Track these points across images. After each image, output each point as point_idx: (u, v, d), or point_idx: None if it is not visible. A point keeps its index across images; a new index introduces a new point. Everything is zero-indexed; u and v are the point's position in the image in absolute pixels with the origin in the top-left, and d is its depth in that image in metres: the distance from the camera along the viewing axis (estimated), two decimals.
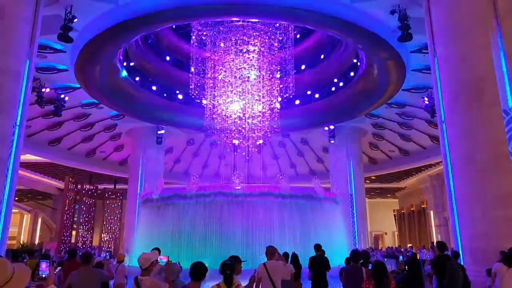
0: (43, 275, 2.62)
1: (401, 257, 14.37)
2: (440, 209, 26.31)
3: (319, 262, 7.69)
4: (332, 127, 20.63)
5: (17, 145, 9.56)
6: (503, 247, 7.13)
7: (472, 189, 8.47)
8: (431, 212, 27.53)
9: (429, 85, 15.90)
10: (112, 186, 28.37)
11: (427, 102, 16.30)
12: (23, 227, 30.91)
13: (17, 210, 27.79)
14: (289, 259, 7.95)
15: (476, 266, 7.63)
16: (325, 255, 8.09)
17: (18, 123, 9.58)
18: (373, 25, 12.77)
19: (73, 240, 24.34)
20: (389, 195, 34.36)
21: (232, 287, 3.80)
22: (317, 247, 8.08)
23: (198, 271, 3.66)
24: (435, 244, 7.52)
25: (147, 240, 10.92)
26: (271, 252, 5.93)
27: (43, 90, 15.14)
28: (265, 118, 16.10)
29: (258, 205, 11.07)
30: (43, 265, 2.66)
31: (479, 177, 8.30)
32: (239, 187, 11.36)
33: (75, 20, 11.47)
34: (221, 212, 10.43)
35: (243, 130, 15.84)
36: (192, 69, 16.72)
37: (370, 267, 5.21)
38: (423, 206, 29.08)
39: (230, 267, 3.82)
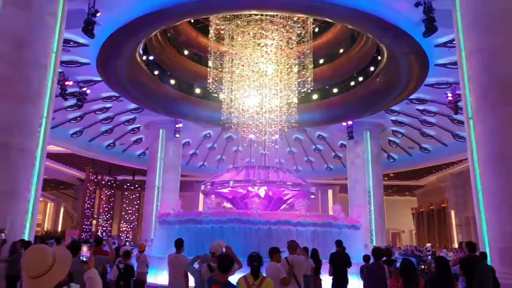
0: (84, 259, 2.67)
1: (429, 257, 14.11)
2: (462, 209, 25.72)
3: (340, 258, 7.65)
4: (350, 122, 20.38)
5: (44, 136, 9.79)
6: None
7: (501, 188, 8.15)
8: (452, 212, 26.96)
9: (453, 81, 15.55)
10: (130, 178, 28.88)
11: (450, 98, 15.88)
12: (47, 215, 31.88)
13: (41, 199, 28.62)
14: (309, 254, 7.93)
15: (504, 268, 7.38)
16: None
17: (45, 115, 9.81)
18: (396, 18, 12.50)
19: (93, 229, 24.98)
20: (407, 193, 33.83)
21: (259, 278, 3.84)
22: (338, 243, 8.03)
23: (226, 263, 3.70)
24: (463, 244, 7.30)
25: (161, 264, 10.97)
26: (293, 247, 5.94)
27: (66, 83, 15.44)
28: (282, 113, 16.01)
29: (275, 233, 10.84)
30: (84, 248, 2.70)
31: (508, 175, 8.01)
32: (256, 213, 11.27)
33: (98, 14, 11.62)
34: (237, 239, 10.21)
35: (260, 125, 15.79)
36: (210, 63, 16.74)
37: (397, 265, 5.12)
38: (443, 205, 28.50)
39: (257, 259, 3.86)
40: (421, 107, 18.56)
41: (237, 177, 14.56)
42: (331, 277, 7.93)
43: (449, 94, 15.87)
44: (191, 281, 5.98)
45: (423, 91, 16.84)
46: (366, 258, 7.93)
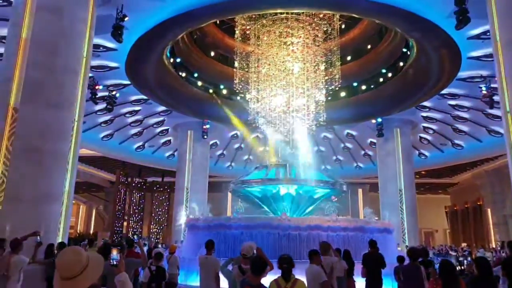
0: (114, 262, 2.66)
1: (468, 258, 13.60)
2: (499, 207, 24.70)
3: (374, 259, 7.44)
4: (379, 119, 19.91)
5: (76, 140, 10.07)
6: None
7: None
8: (489, 210, 25.90)
9: (487, 74, 14.90)
10: (160, 179, 29.40)
11: (485, 92, 15.22)
12: (79, 218, 32.94)
13: (74, 202, 29.60)
14: (341, 256, 7.76)
15: None
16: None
17: (76, 119, 10.09)
18: (426, 11, 12.09)
19: (124, 231, 25.58)
20: (440, 191, 32.78)
21: (291, 281, 3.76)
22: (372, 243, 7.80)
23: (259, 266, 3.64)
24: (506, 244, 6.95)
25: (190, 261, 11.03)
26: (325, 248, 5.81)
27: (96, 87, 15.86)
28: (310, 111, 15.82)
29: (306, 238, 10.70)
30: (114, 252, 2.70)
31: None
32: (286, 219, 11.15)
33: (126, 19, 11.85)
34: (267, 245, 10.10)
35: (288, 124, 15.67)
36: (236, 64, 16.76)
37: (436, 267, 4.91)
38: (479, 203, 27.44)
39: (288, 260, 3.78)
40: (453, 102, 17.92)
41: (267, 176, 14.49)
42: (364, 279, 7.72)
43: (484, 88, 15.22)
44: (224, 283, 5.96)
45: (455, 85, 16.24)
46: (400, 259, 7.67)
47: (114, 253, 2.70)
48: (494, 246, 22.76)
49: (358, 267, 8.07)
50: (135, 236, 19.25)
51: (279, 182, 13.99)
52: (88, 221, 33.09)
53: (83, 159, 24.46)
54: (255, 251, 4.99)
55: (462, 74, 15.29)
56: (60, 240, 8.98)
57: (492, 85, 14.64)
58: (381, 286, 7.53)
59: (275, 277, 3.91)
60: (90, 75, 14.97)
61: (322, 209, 15.17)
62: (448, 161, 23.75)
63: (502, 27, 9.06)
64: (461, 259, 15.05)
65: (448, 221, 32.42)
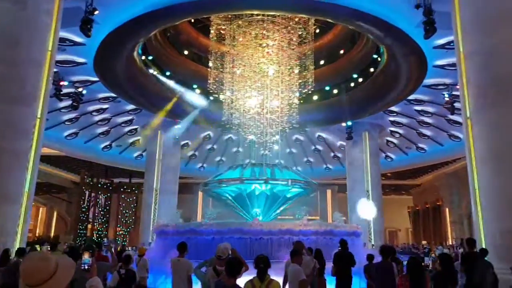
0: (86, 267, 2.52)
1: (432, 255, 14.30)
2: (456, 207, 26.03)
3: (344, 258, 7.60)
4: (350, 123, 20.41)
5: (37, 138, 9.54)
6: None
7: (497, 186, 8.29)
8: (447, 210, 27.23)
9: (450, 82, 15.64)
10: (127, 180, 28.63)
11: (447, 99, 16.00)
12: (39, 220, 31.39)
13: (32, 203, 28.21)
14: (313, 255, 7.86)
15: (500, 264, 7.44)
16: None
17: (39, 116, 9.58)
18: (397, 20, 12.55)
19: (88, 233, 24.71)
20: (403, 192, 34.07)
21: (266, 281, 3.75)
22: (342, 243, 7.97)
23: (234, 267, 3.61)
24: (464, 241, 7.36)
25: (160, 266, 10.87)
26: (298, 247, 5.86)
27: (61, 83, 15.22)
28: (284, 114, 15.96)
29: (277, 243, 10.86)
30: (86, 255, 2.56)
31: (505, 173, 8.13)
32: (257, 224, 11.20)
33: (96, 12, 11.44)
34: (238, 250, 10.15)
35: (261, 125, 15.73)
36: (211, 64, 16.63)
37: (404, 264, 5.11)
38: (438, 204, 28.78)
39: (264, 260, 3.78)
40: (418, 107, 18.65)
41: (243, 175, 14.48)
42: (333, 277, 7.88)
43: (446, 95, 15.99)
44: (198, 285, 5.87)
45: (421, 92, 16.93)
46: (370, 257, 7.90)
47: (86, 256, 2.57)
48: (451, 243, 23.93)
49: (328, 267, 8.23)
50: (105, 239, 18.63)
51: (251, 182, 14.01)
52: (48, 223, 31.58)
53: (43, 159, 23.33)
54: (230, 252, 4.95)
55: (428, 81, 15.97)
56: (18, 244, 8.47)
57: (454, 93, 15.42)
58: (351, 284, 7.71)
59: (251, 277, 3.89)
60: (55, 70, 14.40)
61: (292, 209, 15.43)
62: (412, 163, 24.73)
63: (465, 39, 9.54)
64: (421, 256, 15.74)
65: (411, 221, 33.73)
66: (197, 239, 11.21)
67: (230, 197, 14.70)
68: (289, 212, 21.62)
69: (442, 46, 13.49)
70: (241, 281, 3.82)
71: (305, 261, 5.90)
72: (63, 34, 12.48)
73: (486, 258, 6.79)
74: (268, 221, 12.39)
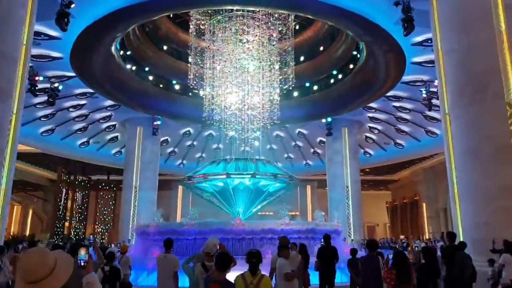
0: (82, 263, 2.47)
1: (416, 248, 14.77)
2: (433, 201, 26.72)
3: (328, 252, 7.70)
4: (329, 119, 20.64)
5: (14, 134, 9.28)
6: (504, 237, 7.21)
7: (475, 181, 8.57)
8: (424, 204, 27.90)
9: (427, 78, 16.02)
10: (105, 177, 28.09)
11: (424, 95, 16.35)
12: (13, 219, 30.40)
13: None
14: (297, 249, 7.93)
15: (477, 257, 7.71)
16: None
17: (15, 112, 9.29)
18: (376, 17, 12.72)
19: (65, 231, 24.15)
20: (382, 187, 34.69)
21: (257, 276, 3.76)
22: (326, 238, 8.07)
23: (224, 262, 3.61)
24: (445, 234, 7.59)
25: (141, 264, 10.74)
26: (284, 242, 5.90)
27: (36, 78, 14.75)
28: (264, 110, 15.98)
29: (260, 242, 10.94)
30: (82, 252, 2.49)
31: (481, 168, 8.41)
32: (240, 224, 11.22)
33: (72, 5, 11.13)
34: None
35: (242, 122, 15.70)
36: (190, 59, 16.46)
37: (388, 257, 5.23)
38: (416, 198, 29.44)
39: (256, 255, 3.78)
40: (397, 104, 19.03)
41: (224, 170, 14.44)
42: (316, 272, 7.98)
43: (424, 92, 16.34)
44: (184, 282, 5.83)
45: (399, 88, 17.27)
46: (353, 251, 8.03)
47: (82, 253, 2.51)
48: (428, 238, 24.60)
49: (312, 261, 8.33)
50: (90, 236, 18.09)
51: (228, 176, 13.99)
52: (23, 222, 30.64)
53: (19, 156, 22.59)
54: (218, 247, 4.94)
55: (406, 78, 16.29)
56: None
57: (431, 89, 15.80)
58: (334, 277, 7.82)
59: (238, 273, 3.89)
60: (30, 64, 13.93)
61: (273, 205, 15.45)
62: (390, 159, 25.22)
63: (443, 37, 9.78)
64: (400, 250, 16.13)
65: (389, 216, 34.41)
66: (179, 239, 11.15)
67: (214, 192, 14.64)
68: (270, 208, 21.84)
69: (420, 43, 13.77)
70: (229, 276, 3.82)
71: (292, 256, 5.94)
72: (38, 27, 12.09)
73: (465, 251, 7.01)
74: (250, 221, 12.42)
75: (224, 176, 14.07)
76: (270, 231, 11.23)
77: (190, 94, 18.96)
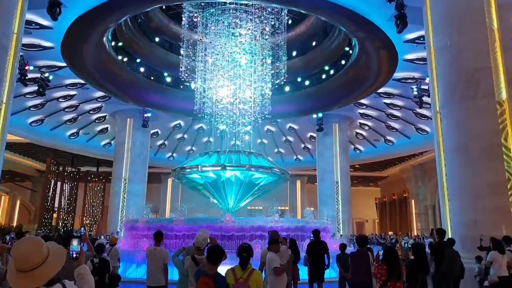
0: (74, 254, 2.45)
1: (405, 244, 14.93)
2: (421, 198, 27.06)
3: (318, 247, 7.77)
4: (320, 114, 20.70)
5: (3, 124, 9.17)
6: (491, 235, 7.35)
7: (464, 178, 8.70)
8: (412, 201, 28.24)
9: (419, 76, 16.14)
10: (95, 169, 27.85)
11: (415, 92, 16.46)
12: (1, 209, 30.04)
13: None
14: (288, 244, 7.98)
15: (464, 253, 7.85)
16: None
17: (4, 101, 9.17)
18: (369, 13, 12.73)
19: (53, 223, 23.93)
20: (371, 184, 35.01)
21: (247, 270, 3.78)
22: (315, 233, 8.14)
23: (215, 255, 3.62)
24: (435, 231, 7.67)
25: (130, 257, 10.71)
26: (275, 237, 5.93)
27: (26, 67, 14.51)
28: (256, 104, 15.95)
29: (249, 240, 10.85)
30: (75, 242, 2.47)
31: (471, 166, 8.52)
32: (229, 221, 11.22)
33: None
34: None
35: (234, 115, 15.67)
36: (182, 52, 16.33)
37: (377, 253, 5.29)
38: (404, 195, 29.79)
39: (247, 249, 3.80)
40: (388, 100, 19.15)
41: (217, 162, 14.41)
42: (305, 267, 8.05)
43: (415, 89, 16.45)
44: (173, 274, 5.84)
45: (390, 85, 17.36)
46: (342, 246, 8.10)
47: (75, 244, 2.49)
48: (416, 234, 24.96)
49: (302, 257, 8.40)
50: (82, 228, 17.91)
51: (218, 168, 13.96)
52: (11, 213, 30.29)
53: (7, 145, 22.28)
54: (208, 240, 4.95)
55: (397, 75, 16.38)
56: None
57: (422, 87, 15.93)
58: (324, 272, 7.90)
59: (229, 267, 3.91)
60: (20, 54, 13.68)
61: (262, 199, 15.32)
62: (380, 156, 25.41)
63: (435, 34, 9.86)
64: (387, 245, 16.33)
65: (378, 212, 34.79)
66: (168, 235, 11.12)
67: (206, 183, 14.61)
68: (260, 202, 21.89)
69: (412, 41, 13.84)
70: (219, 270, 3.83)
71: (282, 250, 5.98)
72: (30, 16, 11.88)
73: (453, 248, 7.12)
74: (240, 218, 12.41)
75: (219, 168, 14.02)
76: (260, 229, 11.23)
77: (181, 86, 18.83)
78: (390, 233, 25.97)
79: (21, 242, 1.96)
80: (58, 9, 10.82)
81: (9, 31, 9.27)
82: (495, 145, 8.22)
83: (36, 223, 23.73)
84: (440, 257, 6.46)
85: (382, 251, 4.91)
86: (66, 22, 12.73)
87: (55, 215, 24.34)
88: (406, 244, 17.59)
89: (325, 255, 7.86)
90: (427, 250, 7.97)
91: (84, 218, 26.42)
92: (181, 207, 12.66)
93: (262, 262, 5.72)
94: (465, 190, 8.67)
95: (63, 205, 24.93)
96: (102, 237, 16.20)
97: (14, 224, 28.33)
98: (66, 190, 25.30)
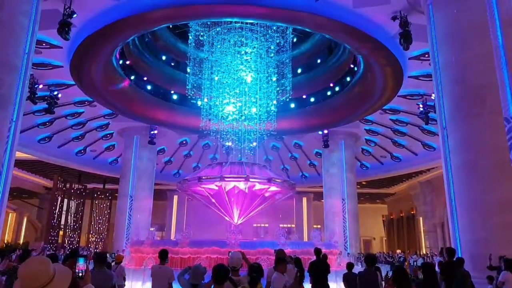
0: (80, 274, 2.45)
1: (414, 262, 14.63)
2: (430, 216, 26.63)
3: (320, 266, 7.64)
4: (326, 131, 20.69)
5: (12, 142, 9.28)
6: (502, 253, 7.18)
7: (473, 195, 8.54)
8: (420, 219, 27.81)
9: (424, 92, 16.16)
10: (101, 186, 27.91)
11: (421, 109, 16.46)
12: (8, 226, 30.08)
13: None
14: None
15: (476, 273, 7.65)
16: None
17: (14, 119, 9.31)
18: (374, 31, 12.86)
19: (59, 240, 23.86)
20: (378, 201, 34.59)
21: None
22: (317, 252, 8.02)
23: (221, 274, 3.59)
24: (444, 250, 7.52)
25: (134, 272, 10.68)
26: (282, 255, 5.88)
27: (36, 86, 14.81)
28: (261, 121, 16.04)
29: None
30: (81, 262, 2.48)
31: (480, 183, 8.38)
32: (235, 244, 11.18)
33: (74, 15, 11.25)
34: None
35: (239, 132, 15.75)
36: (189, 70, 16.57)
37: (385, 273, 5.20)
38: (412, 212, 29.36)
39: (258, 270, 3.79)
40: (394, 117, 19.12)
41: (212, 173, 14.39)
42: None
43: (421, 105, 16.45)
44: None
45: (396, 101, 17.38)
46: (349, 265, 7.96)
47: (81, 263, 2.49)
48: (425, 252, 24.47)
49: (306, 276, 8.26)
50: (90, 248, 17.88)
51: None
52: (18, 230, 30.33)
53: (15, 163, 22.50)
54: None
55: (403, 91, 16.40)
56: None
57: (428, 103, 15.92)
58: None
59: None
60: (31, 72, 13.97)
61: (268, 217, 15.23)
62: (387, 172, 25.19)
63: (440, 51, 9.88)
64: (396, 265, 15.99)
65: (385, 229, 34.26)
66: (173, 258, 11.09)
67: (209, 196, 14.56)
68: (265, 219, 21.66)
69: (417, 58, 13.92)
70: None
71: (289, 269, 5.90)
72: (40, 36, 12.15)
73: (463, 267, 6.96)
74: (245, 242, 12.26)
75: (218, 179, 13.99)
76: (266, 253, 11.10)
77: (188, 104, 19.02)
78: (398, 251, 25.46)
79: (28, 261, 2.01)
80: (68, 29, 11.07)
81: (20, 52, 9.48)
82: (503, 162, 8.10)
83: (42, 241, 23.67)
84: (450, 277, 6.32)
85: (391, 271, 4.81)
86: (76, 41, 13.02)
87: (61, 233, 24.29)
88: (414, 263, 17.22)
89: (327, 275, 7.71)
90: (437, 269, 7.82)
91: (90, 235, 26.33)
92: (187, 229, 12.63)
93: (268, 281, 5.65)
94: (474, 208, 8.51)
95: (69, 223, 24.90)
96: (108, 255, 16.11)
97: (21, 241, 28.33)
98: (72, 207, 25.31)
